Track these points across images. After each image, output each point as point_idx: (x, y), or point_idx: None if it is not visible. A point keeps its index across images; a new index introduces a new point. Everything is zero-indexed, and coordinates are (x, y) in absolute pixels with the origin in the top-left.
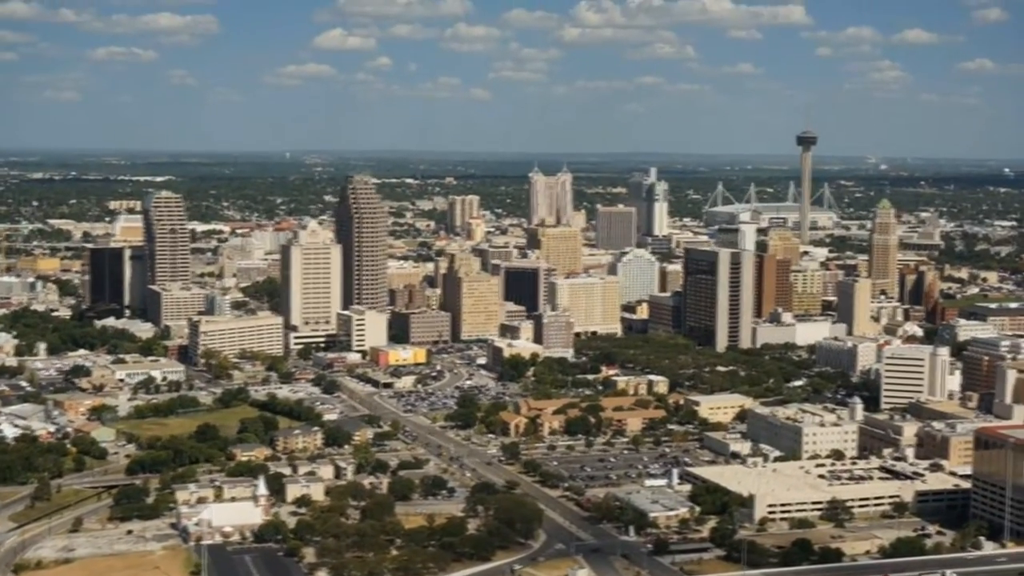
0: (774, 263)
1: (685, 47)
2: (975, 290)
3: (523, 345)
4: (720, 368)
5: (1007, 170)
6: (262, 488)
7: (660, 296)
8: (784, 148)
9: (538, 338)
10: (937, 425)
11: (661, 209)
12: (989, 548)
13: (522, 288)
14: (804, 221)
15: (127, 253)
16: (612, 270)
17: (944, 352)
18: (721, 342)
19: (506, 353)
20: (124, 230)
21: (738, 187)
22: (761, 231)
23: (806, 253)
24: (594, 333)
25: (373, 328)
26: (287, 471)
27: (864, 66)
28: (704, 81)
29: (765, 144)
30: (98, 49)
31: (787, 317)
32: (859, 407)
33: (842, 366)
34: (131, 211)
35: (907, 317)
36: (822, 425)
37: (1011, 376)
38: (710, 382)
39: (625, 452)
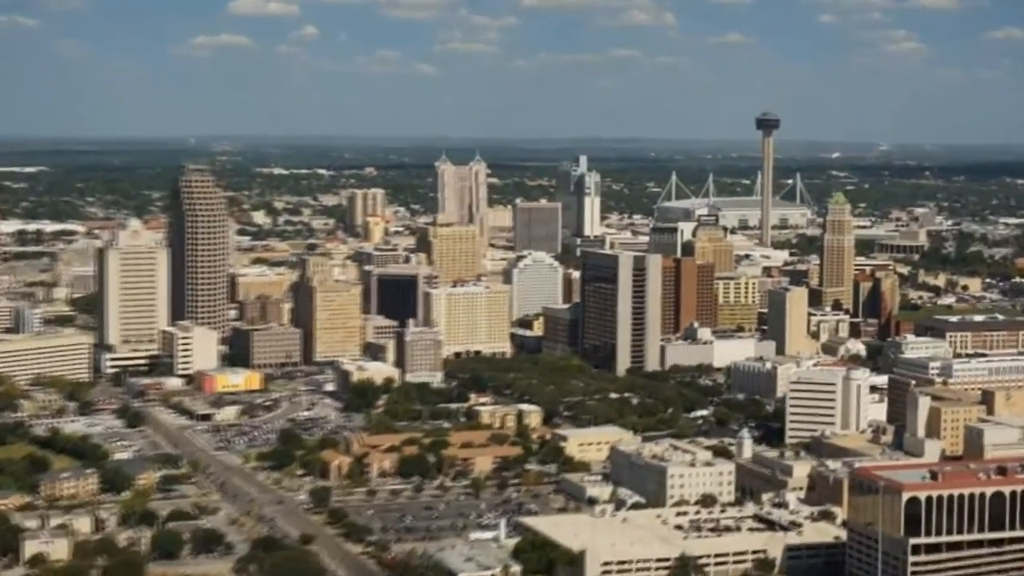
0: (694, 269)
1: (664, 14)
2: (951, 299)
3: (377, 369)
4: (612, 395)
5: None
6: None
7: (556, 309)
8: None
9: (401, 359)
10: (832, 465)
11: (592, 204)
12: None
13: (398, 299)
14: (765, 218)
15: None
16: (507, 278)
17: (860, 376)
18: (622, 364)
19: (355, 378)
20: None
21: (716, 178)
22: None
23: (747, 256)
24: (477, 353)
25: (202, 348)
26: (35, 523)
27: (875, 36)
28: (686, 53)
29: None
30: None
31: (704, 334)
32: (747, 442)
33: (759, 392)
34: None
35: (857, 332)
36: (692, 465)
37: (923, 405)
38: (594, 412)
39: (462, 498)
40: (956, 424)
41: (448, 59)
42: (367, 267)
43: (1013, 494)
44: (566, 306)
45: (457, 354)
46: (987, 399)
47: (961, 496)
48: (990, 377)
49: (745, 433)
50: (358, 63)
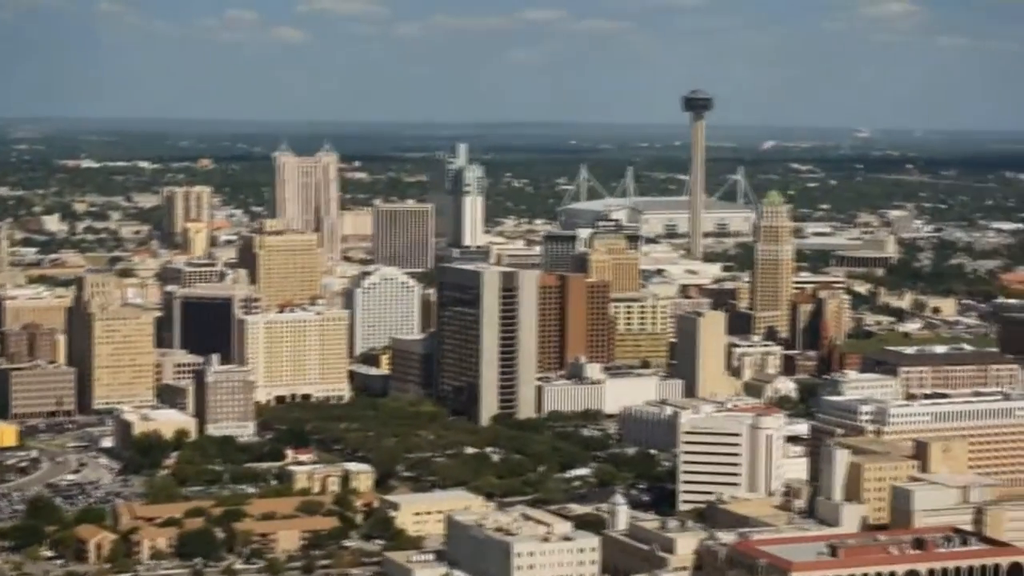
0: (583, 289)
1: None
2: (917, 325)
3: (167, 419)
4: (469, 450)
5: None
6: None
7: (406, 341)
8: (736, 116)
9: (201, 407)
10: (725, 537)
11: (474, 206)
12: None
13: (209, 329)
14: (695, 222)
15: None
16: (348, 300)
17: (772, 424)
18: (487, 410)
19: (137, 431)
20: None
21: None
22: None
23: (659, 272)
24: (305, 397)
25: None
26: None
27: None
28: (622, 17)
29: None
30: None
31: (593, 371)
32: (622, 510)
33: (656, 445)
34: None
35: (792, 368)
36: (546, 540)
37: (840, 461)
38: (443, 473)
39: None
40: (882, 484)
41: (317, 22)
42: (169, 287)
43: (931, 573)
44: (418, 337)
45: (280, 399)
46: (921, 453)
47: None
48: (936, 424)
49: (619, 499)
50: (202, 26)
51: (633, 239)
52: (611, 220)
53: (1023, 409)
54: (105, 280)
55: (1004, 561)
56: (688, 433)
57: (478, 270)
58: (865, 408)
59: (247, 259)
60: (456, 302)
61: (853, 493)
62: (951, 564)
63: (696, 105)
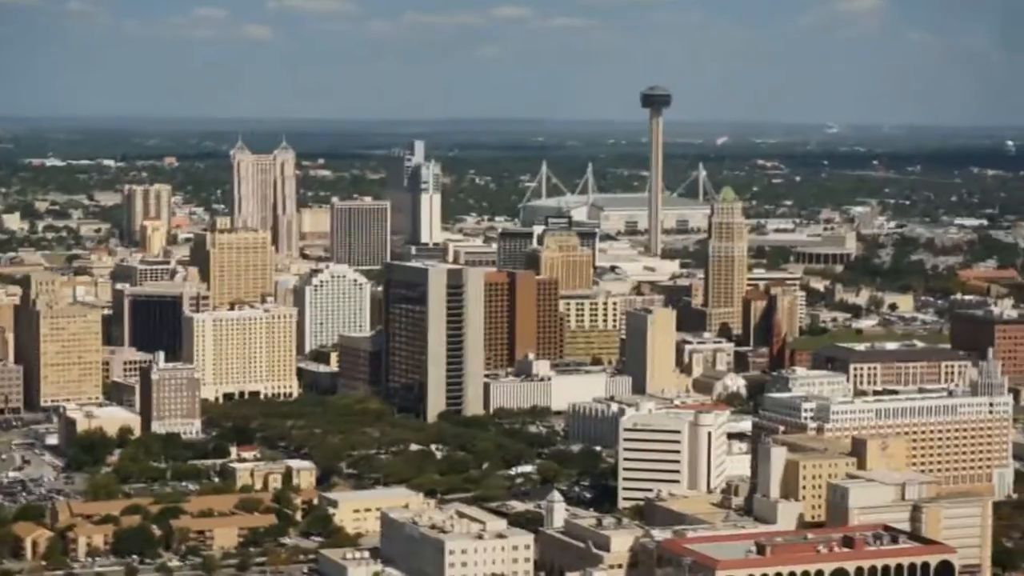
0: (533, 286)
1: None
2: (873, 321)
3: (111, 416)
4: (414, 447)
5: (1009, 143)
6: None
7: (354, 339)
8: (705, 112)
9: (147, 404)
10: (661, 535)
11: (431, 203)
12: None
13: (159, 327)
14: (653, 219)
15: None
16: (298, 298)
17: (712, 421)
18: (434, 407)
19: (80, 428)
20: None
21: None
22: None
23: (612, 269)
24: (254, 395)
25: None
26: None
27: None
28: (591, 14)
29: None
30: None
31: (542, 368)
32: (558, 507)
33: (602, 441)
34: None
35: (745, 364)
36: (479, 537)
37: (777, 458)
38: (386, 470)
39: None
40: (819, 482)
41: (287, 19)
42: (120, 285)
43: (859, 571)
44: (367, 334)
45: (229, 396)
46: (858, 450)
47: (792, 575)
48: (879, 421)
49: (556, 496)
50: (172, 24)
51: (588, 236)
52: (563, 217)
53: (967, 406)
54: (52, 278)
55: (933, 559)
56: (628, 430)
57: (425, 267)
58: (807, 405)
59: (200, 257)
60: (403, 300)
61: (790, 491)
62: (879, 562)
63: (654, 101)
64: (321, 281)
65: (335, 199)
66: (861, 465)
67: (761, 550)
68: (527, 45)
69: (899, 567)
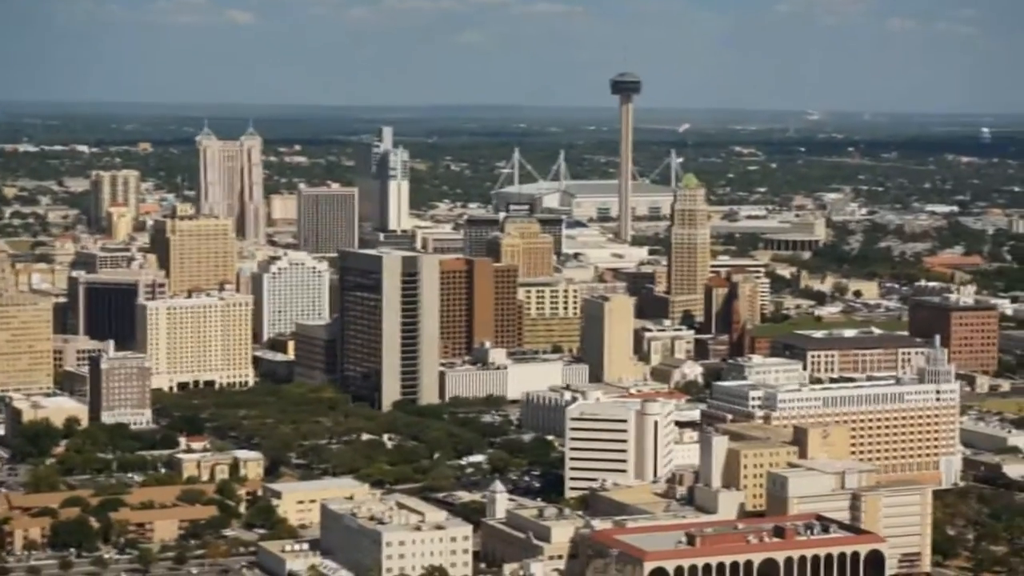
0: (490, 273)
1: None
2: (836, 308)
3: (58, 406)
4: (365, 437)
5: (985, 130)
6: None
7: (310, 326)
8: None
9: (96, 394)
10: (601, 526)
11: (399, 190)
12: None
13: (114, 316)
14: (623, 205)
15: None
16: (255, 285)
17: (658, 409)
18: (388, 396)
19: (27, 418)
20: None
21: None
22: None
23: (575, 256)
24: (209, 384)
25: None
26: None
27: None
28: (574, 1)
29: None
30: None
31: (498, 356)
32: (500, 498)
33: (555, 431)
34: None
35: (705, 353)
36: (417, 529)
37: (719, 447)
38: (335, 460)
39: None
40: (760, 471)
41: (269, 4)
42: (75, 273)
43: (788, 561)
44: (321, 322)
45: (183, 385)
46: (800, 439)
47: (721, 565)
48: (825, 409)
49: (498, 486)
50: (157, 9)
51: (554, 223)
52: (524, 204)
53: (914, 394)
54: (1, 266)
55: (863, 549)
56: (575, 420)
57: (379, 255)
58: (755, 394)
59: (160, 244)
60: (358, 287)
61: (731, 480)
62: (809, 552)
63: (624, 88)
64: (279, 268)
65: (302, 185)
66: (803, 454)
67: (691, 541)
68: (509, 30)
69: (829, 557)
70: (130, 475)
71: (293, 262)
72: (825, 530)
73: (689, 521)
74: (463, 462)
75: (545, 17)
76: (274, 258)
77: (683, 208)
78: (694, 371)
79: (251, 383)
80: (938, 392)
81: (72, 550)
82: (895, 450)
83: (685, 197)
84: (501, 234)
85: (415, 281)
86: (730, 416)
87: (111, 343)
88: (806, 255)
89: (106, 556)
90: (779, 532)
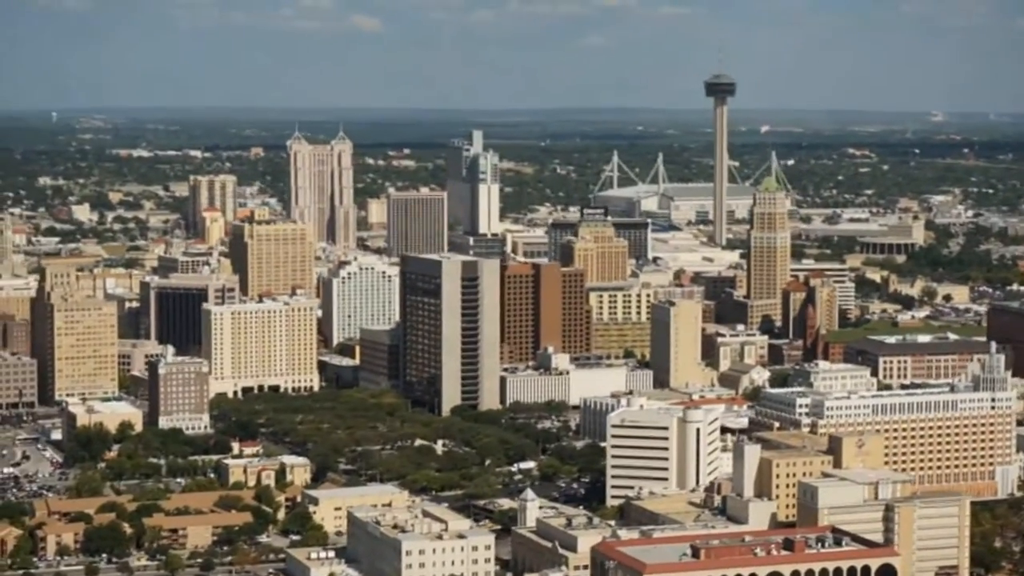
0: (558, 278)
1: None
2: (923, 314)
3: (112, 411)
4: (418, 442)
5: None
6: None
7: (374, 331)
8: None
9: (154, 399)
10: (627, 535)
11: (490, 193)
12: None
13: (185, 321)
14: (719, 208)
15: None
16: (325, 290)
17: (700, 417)
18: (449, 401)
19: (81, 422)
20: None
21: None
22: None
23: (654, 260)
24: (274, 389)
25: None
26: None
27: None
28: (695, 3)
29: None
30: None
31: (561, 362)
32: (532, 506)
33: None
34: None
35: (778, 358)
36: (439, 538)
37: (751, 457)
38: (384, 466)
39: None
40: (793, 480)
41: (392, 9)
42: (148, 278)
43: (795, 574)
44: (387, 328)
45: (248, 390)
46: (835, 448)
47: None
48: (875, 417)
49: (530, 494)
50: (279, 16)
51: (638, 227)
52: (597, 208)
53: (968, 402)
54: (68, 271)
55: (875, 562)
56: (615, 427)
57: (440, 259)
58: (802, 401)
59: (237, 249)
60: (419, 292)
61: (764, 489)
62: (817, 565)
63: (718, 90)
64: (349, 273)
65: (391, 189)
66: (837, 463)
67: (696, 553)
68: (631, 33)
69: (838, 570)
70: (178, 480)
71: (363, 267)
72: (838, 543)
73: (696, 533)
74: (513, 468)
75: (667, 19)
76: (344, 263)
77: (762, 211)
78: (762, 376)
79: (316, 388)
80: (993, 400)
81: (103, 556)
82: (948, 459)
83: (764, 200)
84: (575, 238)
85: (475, 286)
86: (777, 424)
87: (170, 348)
88: (901, 258)
89: (135, 562)
90: (788, 545)
